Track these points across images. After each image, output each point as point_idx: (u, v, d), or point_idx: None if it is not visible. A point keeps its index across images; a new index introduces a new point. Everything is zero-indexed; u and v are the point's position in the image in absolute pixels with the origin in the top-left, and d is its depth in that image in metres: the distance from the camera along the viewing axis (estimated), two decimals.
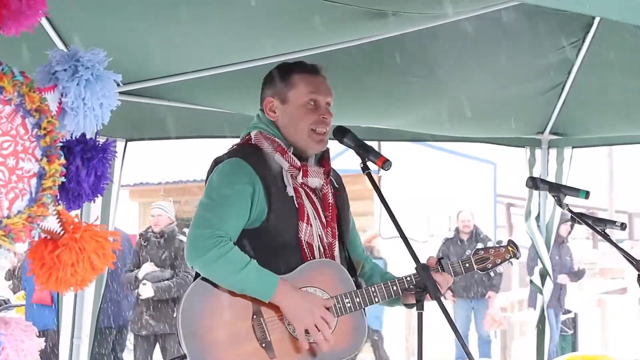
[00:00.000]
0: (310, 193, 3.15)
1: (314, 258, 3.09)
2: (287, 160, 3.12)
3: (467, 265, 3.29)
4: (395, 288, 3.11)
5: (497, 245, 3.43)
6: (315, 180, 3.16)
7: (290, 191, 3.09)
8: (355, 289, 3.10)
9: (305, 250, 3.08)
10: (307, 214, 3.10)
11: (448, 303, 10.90)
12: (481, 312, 10.77)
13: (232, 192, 3.04)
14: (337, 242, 3.21)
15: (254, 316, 2.97)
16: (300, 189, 3.12)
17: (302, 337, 2.96)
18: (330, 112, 3.18)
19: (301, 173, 3.12)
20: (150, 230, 8.41)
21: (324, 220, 3.16)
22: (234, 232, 3.03)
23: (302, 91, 3.17)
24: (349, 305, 3.04)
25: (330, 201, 3.21)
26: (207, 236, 2.95)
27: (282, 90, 3.20)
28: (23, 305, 8.75)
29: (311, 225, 3.10)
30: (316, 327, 2.95)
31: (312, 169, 3.15)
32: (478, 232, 11.02)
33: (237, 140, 3.31)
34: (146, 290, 7.94)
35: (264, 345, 2.95)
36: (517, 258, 3.45)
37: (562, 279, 10.41)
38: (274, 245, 3.06)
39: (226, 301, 2.98)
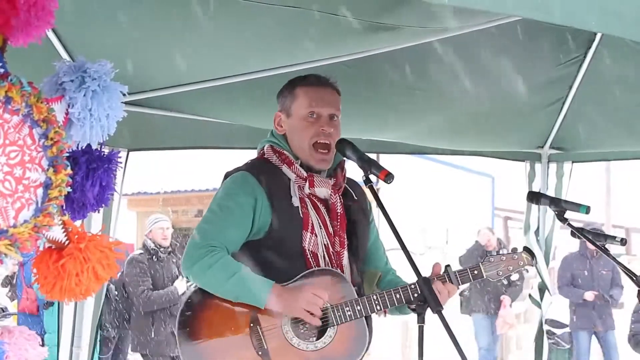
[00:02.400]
0: (318, 203, 3.16)
1: (319, 267, 3.09)
2: (293, 171, 3.15)
3: (475, 272, 3.17)
4: (398, 296, 3.05)
5: (511, 252, 3.26)
6: (323, 190, 3.17)
7: (296, 202, 3.11)
8: (357, 297, 3.08)
9: (310, 259, 3.08)
10: (312, 224, 3.11)
11: (469, 320, 10.96)
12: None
13: (233, 204, 3.08)
14: (345, 252, 3.20)
15: (251, 324, 2.99)
16: (307, 200, 3.13)
17: (310, 319, 2.96)
18: (332, 124, 3.17)
19: (307, 183, 3.14)
20: (155, 245, 8.17)
21: (331, 230, 3.16)
22: (232, 243, 3.06)
23: (302, 104, 3.19)
24: (349, 313, 3.02)
25: (338, 211, 3.20)
26: (200, 246, 2.99)
27: (286, 103, 3.24)
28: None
29: (316, 234, 3.10)
30: (309, 309, 2.95)
31: (318, 179, 3.16)
32: (502, 246, 10.99)
33: (236, 152, 3.34)
34: None
35: (260, 353, 2.97)
36: (533, 266, 3.29)
37: (588, 295, 10.08)
38: (278, 255, 3.07)
39: (224, 309, 3.00)
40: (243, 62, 4.15)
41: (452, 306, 10.88)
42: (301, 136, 3.17)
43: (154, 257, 8.11)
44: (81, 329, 4.94)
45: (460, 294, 10.99)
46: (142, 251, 8.25)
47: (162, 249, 8.14)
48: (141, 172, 14.02)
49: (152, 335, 7.89)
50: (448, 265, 3.14)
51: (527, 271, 3.21)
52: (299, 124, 3.18)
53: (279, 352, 2.98)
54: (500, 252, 3.29)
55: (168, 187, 16.51)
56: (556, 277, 10.55)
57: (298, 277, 3.05)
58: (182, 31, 3.61)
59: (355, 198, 3.32)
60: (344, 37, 3.76)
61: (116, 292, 8.29)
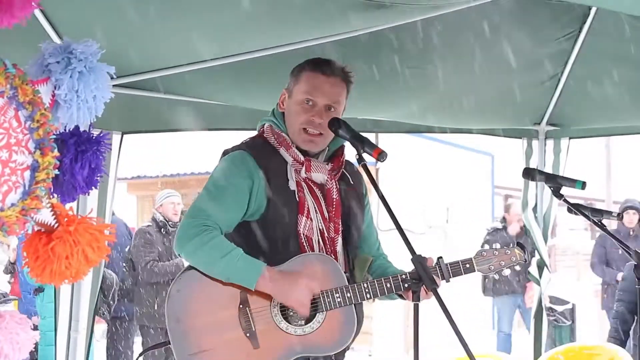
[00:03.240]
0: (315, 188, 3.15)
1: (313, 252, 3.09)
2: (291, 155, 3.14)
3: (467, 266, 3.17)
4: (389, 285, 3.06)
5: (503, 247, 3.28)
6: (319, 175, 3.16)
7: (292, 185, 3.10)
8: (347, 284, 3.07)
9: (304, 244, 3.07)
10: (308, 208, 3.10)
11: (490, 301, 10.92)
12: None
13: (229, 184, 3.07)
14: (339, 238, 3.19)
15: (241, 305, 2.99)
16: (304, 184, 3.12)
17: (300, 309, 2.97)
18: (325, 115, 3.14)
19: (304, 168, 3.13)
20: (164, 218, 8.11)
21: (326, 215, 3.15)
22: (226, 223, 3.05)
23: (301, 89, 3.17)
24: (338, 300, 3.02)
25: (334, 197, 3.19)
26: (193, 225, 2.98)
27: (291, 84, 3.23)
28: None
29: (311, 219, 3.10)
30: (302, 298, 2.96)
31: (315, 163, 3.15)
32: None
33: (233, 133, 3.31)
34: None
35: (248, 334, 2.97)
36: (525, 262, 3.31)
37: (619, 276, 9.78)
38: (273, 238, 3.06)
39: (214, 289, 3.00)
40: (235, 43, 4.13)
41: (473, 288, 10.91)
42: (294, 119, 3.17)
43: (162, 229, 8.08)
44: (78, 313, 4.94)
45: (485, 276, 10.96)
46: (150, 223, 8.23)
47: (170, 223, 8.11)
48: (140, 155, 14.02)
49: (156, 308, 7.86)
50: (440, 257, 3.14)
51: (520, 267, 3.16)
52: (295, 107, 3.17)
53: (266, 335, 2.98)
54: (493, 247, 3.28)
55: (167, 170, 16.48)
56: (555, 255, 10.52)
57: (290, 260, 3.04)
58: (175, 12, 3.59)
59: (352, 183, 3.31)
60: (338, 16, 3.74)
61: (124, 265, 8.28)
